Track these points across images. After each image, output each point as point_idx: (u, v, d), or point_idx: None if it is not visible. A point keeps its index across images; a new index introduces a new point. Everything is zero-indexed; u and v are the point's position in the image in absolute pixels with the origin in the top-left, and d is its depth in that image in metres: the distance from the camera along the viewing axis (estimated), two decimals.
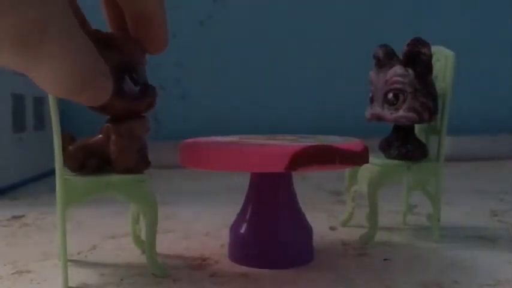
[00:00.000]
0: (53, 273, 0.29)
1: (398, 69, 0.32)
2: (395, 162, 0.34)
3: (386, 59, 0.33)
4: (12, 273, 0.29)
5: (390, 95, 0.32)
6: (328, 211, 0.46)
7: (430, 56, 0.32)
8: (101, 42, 0.24)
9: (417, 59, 0.32)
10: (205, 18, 0.89)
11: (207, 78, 0.90)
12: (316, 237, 0.32)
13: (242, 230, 0.31)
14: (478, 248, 0.34)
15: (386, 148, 0.35)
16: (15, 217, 0.45)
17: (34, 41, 0.19)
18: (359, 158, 0.29)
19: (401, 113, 0.32)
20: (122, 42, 0.25)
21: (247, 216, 0.31)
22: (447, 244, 0.34)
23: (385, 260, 0.31)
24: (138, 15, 0.26)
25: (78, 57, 0.21)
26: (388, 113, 0.33)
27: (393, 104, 0.32)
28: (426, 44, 0.32)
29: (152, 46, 0.27)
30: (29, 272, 0.29)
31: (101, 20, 0.27)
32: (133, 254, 0.33)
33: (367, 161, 0.30)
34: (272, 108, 0.91)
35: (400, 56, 0.33)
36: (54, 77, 0.21)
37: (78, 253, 0.33)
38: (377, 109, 0.34)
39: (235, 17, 0.90)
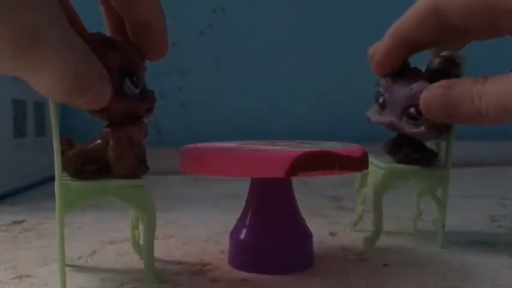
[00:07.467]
0: (53, 278, 0.29)
1: (426, 85, 0.30)
2: (400, 166, 0.34)
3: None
4: (13, 278, 0.29)
5: (413, 110, 0.31)
6: (328, 217, 0.46)
7: (457, 76, 0.31)
8: (102, 44, 0.25)
9: (444, 78, 0.30)
10: (205, 28, 0.90)
11: (207, 86, 0.90)
12: (316, 243, 0.32)
13: (242, 236, 0.31)
14: (478, 253, 0.34)
15: (394, 152, 0.34)
16: (15, 222, 0.45)
17: (32, 48, 0.19)
18: (359, 163, 0.29)
19: (422, 129, 0.31)
20: (123, 45, 0.26)
21: (247, 222, 0.31)
22: (447, 249, 0.34)
23: (385, 265, 0.31)
24: (138, 22, 0.26)
25: (75, 61, 0.21)
26: (407, 127, 0.32)
27: (415, 118, 0.31)
28: (458, 66, 0.31)
29: (152, 53, 0.27)
30: (29, 276, 0.29)
31: (100, 21, 0.28)
32: (133, 259, 0.33)
33: (367, 167, 0.30)
34: (272, 115, 0.91)
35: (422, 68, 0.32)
36: (51, 81, 0.21)
37: (79, 258, 0.33)
38: (392, 118, 0.32)
39: (234, 26, 0.90)
